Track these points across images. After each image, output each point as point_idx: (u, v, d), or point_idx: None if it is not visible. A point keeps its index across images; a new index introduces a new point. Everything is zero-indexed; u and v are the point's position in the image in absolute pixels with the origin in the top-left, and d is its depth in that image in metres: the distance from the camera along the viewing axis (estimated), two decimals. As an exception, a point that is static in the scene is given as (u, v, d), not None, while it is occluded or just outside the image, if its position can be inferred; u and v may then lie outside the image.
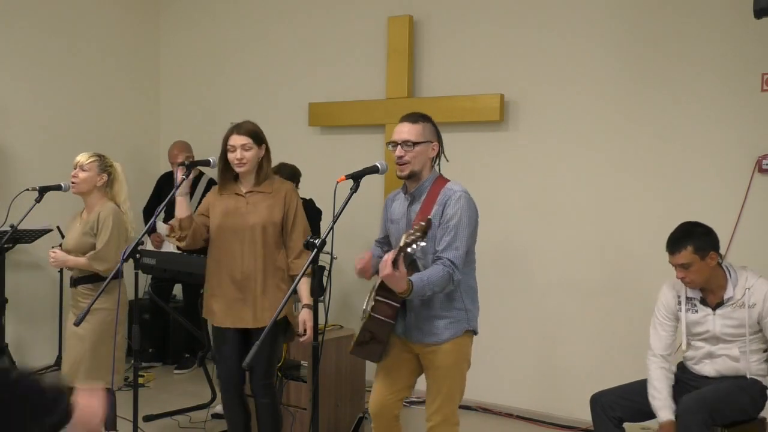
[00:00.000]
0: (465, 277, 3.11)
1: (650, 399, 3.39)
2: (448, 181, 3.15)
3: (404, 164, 3.10)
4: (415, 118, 3.13)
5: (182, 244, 3.51)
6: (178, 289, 6.16)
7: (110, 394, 3.81)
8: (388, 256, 2.77)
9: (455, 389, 3.16)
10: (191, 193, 5.05)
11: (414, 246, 2.75)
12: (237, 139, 3.45)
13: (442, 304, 3.08)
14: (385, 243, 3.35)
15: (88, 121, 6.23)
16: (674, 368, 3.49)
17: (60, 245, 3.97)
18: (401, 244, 2.77)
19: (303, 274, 2.96)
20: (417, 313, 3.11)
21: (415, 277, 2.91)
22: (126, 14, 6.54)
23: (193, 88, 6.58)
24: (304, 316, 3.47)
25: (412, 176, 3.12)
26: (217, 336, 3.60)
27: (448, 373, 3.13)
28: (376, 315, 3.08)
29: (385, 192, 5.34)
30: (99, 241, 3.71)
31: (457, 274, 2.98)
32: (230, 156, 3.46)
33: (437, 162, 3.20)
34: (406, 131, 3.09)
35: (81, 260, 3.73)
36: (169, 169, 6.08)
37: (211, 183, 5.59)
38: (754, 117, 4.23)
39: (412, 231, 2.79)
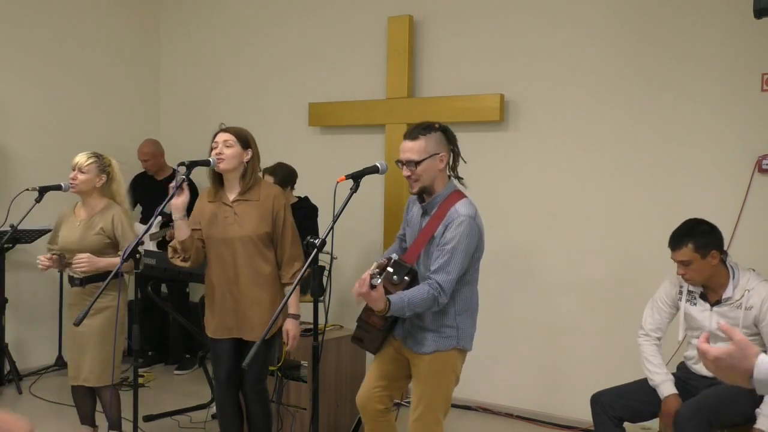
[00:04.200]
0: (463, 297, 3.12)
1: (648, 375, 3.42)
2: (462, 198, 3.11)
3: (414, 182, 3.11)
4: (414, 134, 3.09)
5: (187, 265, 3.52)
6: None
7: (114, 391, 3.84)
8: (365, 276, 2.84)
9: (438, 399, 3.15)
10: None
11: (375, 280, 2.83)
12: (220, 136, 3.45)
13: (432, 318, 3.10)
14: (402, 239, 3.38)
15: (88, 122, 6.23)
16: (660, 345, 3.52)
17: (51, 248, 3.96)
18: (370, 272, 2.86)
19: (298, 281, 2.95)
20: (411, 322, 3.14)
21: (395, 297, 2.94)
22: (126, 15, 6.54)
23: (192, 89, 6.58)
24: (288, 326, 3.47)
25: (424, 192, 3.13)
26: (213, 341, 3.60)
27: (430, 382, 3.14)
28: (363, 318, 3.14)
29: (385, 192, 5.35)
30: (124, 243, 3.80)
31: (444, 298, 2.98)
32: (212, 153, 3.44)
33: (454, 167, 3.17)
34: (408, 150, 3.09)
35: (116, 260, 3.76)
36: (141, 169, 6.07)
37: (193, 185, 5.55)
38: (754, 117, 4.23)
39: (376, 265, 2.89)
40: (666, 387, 3.37)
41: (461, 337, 3.12)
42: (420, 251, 3.14)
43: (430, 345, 3.11)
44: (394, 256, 3.00)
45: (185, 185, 3.38)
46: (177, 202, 3.37)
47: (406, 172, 3.10)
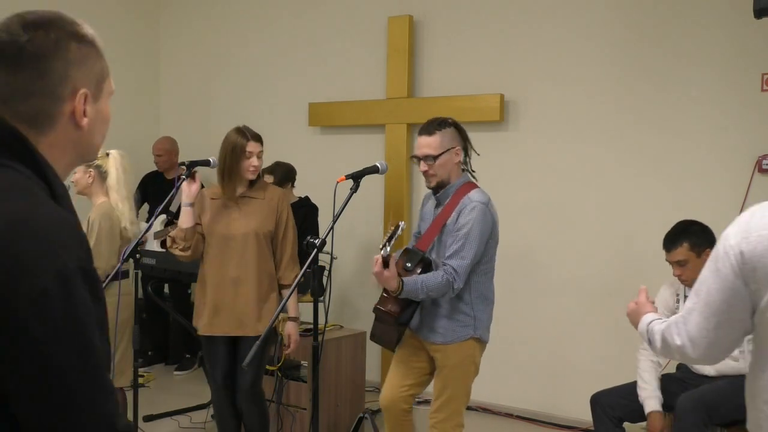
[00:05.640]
0: (479, 285, 3.15)
1: (638, 390, 3.44)
2: (475, 188, 3.16)
3: (431, 177, 3.15)
4: (431, 129, 3.13)
5: (186, 254, 3.51)
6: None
7: (120, 393, 3.80)
8: (378, 255, 2.89)
9: (458, 391, 3.17)
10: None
11: (384, 249, 2.89)
12: (255, 146, 3.45)
13: (449, 306, 3.13)
14: (419, 236, 3.40)
15: (88, 121, 6.22)
16: (663, 362, 3.53)
17: None
18: (380, 246, 2.91)
19: (297, 282, 2.96)
20: (428, 311, 3.17)
21: (409, 279, 2.98)
22: (126, 14, 6.54)
23: (193, 88, 6.58)
24: (290, 330, 3.50)
25: (441, 186, 3.17)
26: (207, 341, 3.59)
27: (450, 374, 3.16)
28: (379, 307, 3.14)
29: (385, 192, 5.35)
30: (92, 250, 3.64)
31: (458, 283, 3.00)
32: (246, 163, 3.43)
33: (467, 162, 3.23)
34: (425, 145, 3.12)
35: None
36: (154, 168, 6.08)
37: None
38: (754, 117, 4.22)
39: (385, 236, 2.93)
40: (649, 403, 3.39)
41: (478, 327, 3.14)
42: (433, 239, 3.17)
43: (447, 334, 3.13)
44: (402, 224, 3.03)
45: (197, 175, 3.41)
46: (189, 190, 3.42)
47: (423, 167, 3.14)
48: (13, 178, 1.12)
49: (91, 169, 3.75)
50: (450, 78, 5.18)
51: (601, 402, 3.49)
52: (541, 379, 4.90)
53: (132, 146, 6.43)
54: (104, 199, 3.76)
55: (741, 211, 4.39)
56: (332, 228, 2.94)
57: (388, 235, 2.93)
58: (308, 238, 2.98)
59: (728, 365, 3.35)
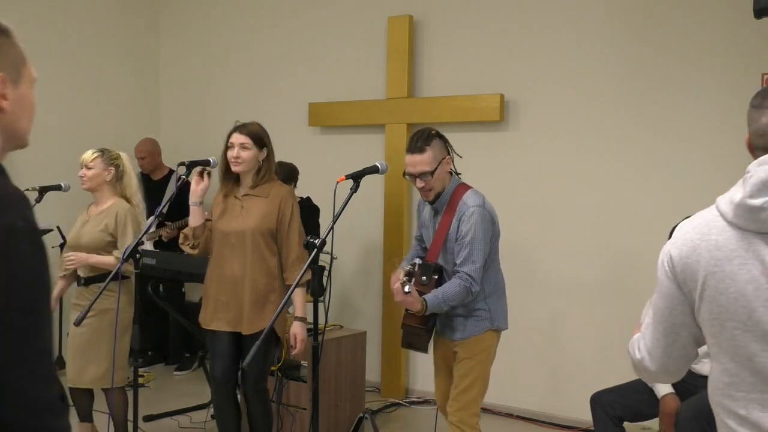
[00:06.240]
0: (489, 279, 3.25)
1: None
2: (467, 190, 3.23)
3: (428, 191, 3.20)
4: (420, 146, 3.16)
5: (196, 252, 3.55)
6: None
7: (122, 393, 3.80)
8: (397, 285, 2.98)
9: (476, 379, 3.26)
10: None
11: (407, 287, 2.96)
12: (237, 138, 3.45)
13: (463, 305, 3.22)
14: (421, 240, 3.50)
15: (88, 121, 6.22)
16: None
17: (62, 244, 3.95)
18: (401, 279, 3.00)
19: (298, 282, 2.98)
20: (447, 313, 3.26)
21: (430, 295, 3.08)
22: (126, 14, 6.55)
23: (193, 88, 6.59)
24: (296, 330, 3.50)
25: (438, 197, 3.23)
26: (210, 336, 3.60)
27: (468, 364, 3.25)
28: (406, 323, 3.24)
29: (385, 192, 5.35)
30: (121, 243, 3.69)
31: (475, 286, 3.12)
32: (228, 153, 3.46)
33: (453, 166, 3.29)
34: (419, 163, 3.16)
35: (108, 259, 3.72)
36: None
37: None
38: (754, 117, 4.22)
39: (404, 273, 3.02)
40: (662, 386, 3.37)
41: (494, 319, 3.26)
42: (439, 249, 3.25)
43: (466, 330, 3.24)
44: (418, 261, 3.16)
45: (206, 174, 3.45)
46: (197, 189, 3.45)
47: (420, 183, 3.18)
48: None
49: (111, 167, 3.81)
50: (450, 78, 5.18)
51: (601, 401, 3.49)
52: (541, 379, 4.90)
53: (131, 146, 6.46)
54: (115, 198, 3.82)
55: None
56: (332, 228, 2.95)
57: (408, 272, 3.00)
58: (308, 238, 2.99)
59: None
